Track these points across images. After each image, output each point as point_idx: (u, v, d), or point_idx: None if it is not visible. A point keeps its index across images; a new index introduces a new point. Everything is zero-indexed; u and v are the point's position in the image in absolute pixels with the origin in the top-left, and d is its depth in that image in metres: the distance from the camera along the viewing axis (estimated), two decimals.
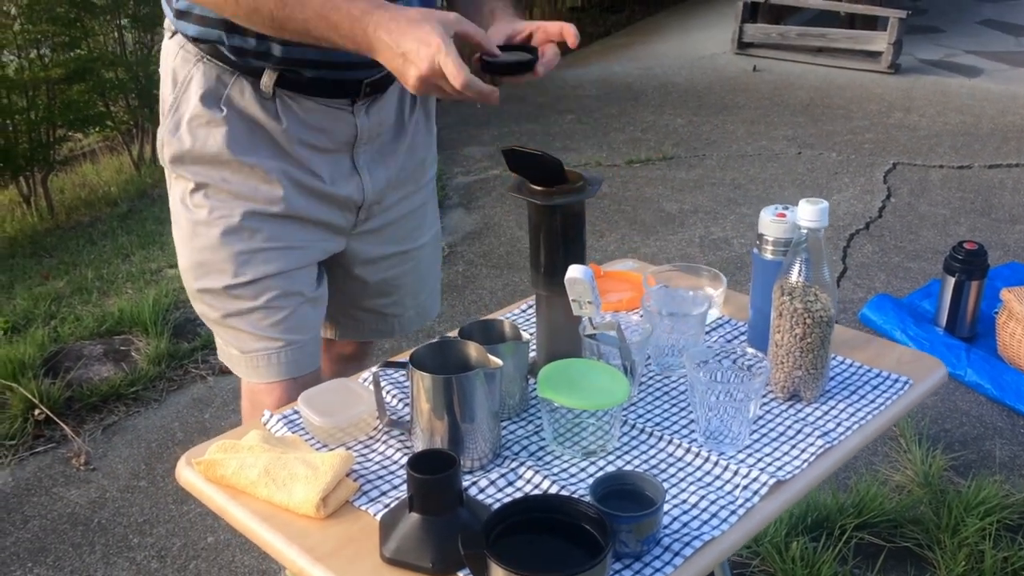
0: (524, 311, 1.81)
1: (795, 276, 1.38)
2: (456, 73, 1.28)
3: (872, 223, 4.35)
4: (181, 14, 1.55)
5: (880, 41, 6.46)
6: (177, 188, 1.64)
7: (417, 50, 1.29)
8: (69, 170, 5.80)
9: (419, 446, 1.32)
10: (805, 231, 1.36)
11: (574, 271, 1.34)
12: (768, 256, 1.50)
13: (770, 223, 1.50)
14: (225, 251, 1.61)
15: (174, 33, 1.60)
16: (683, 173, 5.10)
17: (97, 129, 5.20)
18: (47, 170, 4.97)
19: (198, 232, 1.62)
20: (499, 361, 1.29)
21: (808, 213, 1.34)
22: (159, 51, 1.71)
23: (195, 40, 1.55)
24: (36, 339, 3.28)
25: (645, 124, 5.95)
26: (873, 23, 6.67)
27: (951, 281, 3.23)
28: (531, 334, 1.59)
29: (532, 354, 1.58)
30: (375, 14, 1.32)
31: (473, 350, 1.35)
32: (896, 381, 1.51)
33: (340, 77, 1.59)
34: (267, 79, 1.54)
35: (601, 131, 5.85)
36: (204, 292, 1.67)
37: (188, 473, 1.35)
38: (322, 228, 1.69)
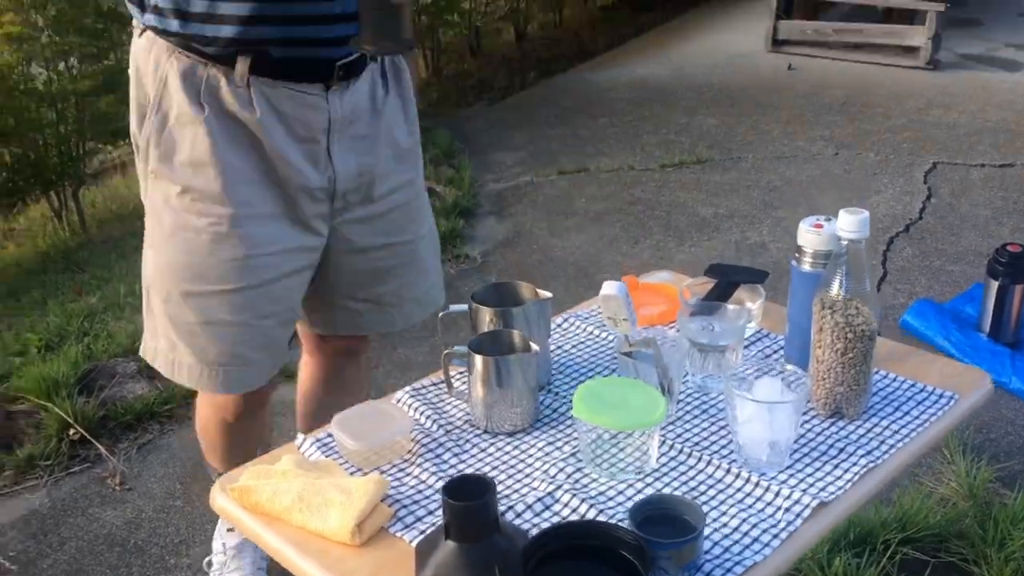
0: (561, 324, 1.77)
1: (835, 289, 1.34)
2: None
3: (912, 225, 4.28)
4: (142, 5, 1.56)
5: (918, 36, 6.35)
6: (160, 188, 1.64)
7: None
8: (100, 183, 5.84)
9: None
10: (845, 243, 1.32)
11: (608, 288, 1.32)
12: (807, 268, 1.47)
13: (808, 234, 1.46)
14: (215, 258, 1.62)
15: (143, 31, 1.61)
16: (718, 176, 5.04)
17: (126, 141, 5.24)
18: (78, 184, 5.00)
19: (187, 237, 1.63)
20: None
21: (848, 224, 1.30)
22: None
23: (163, 33, 1.56)
24: (70, 357, 3.29)
25: (678, 126, 5.89)
26: (911, 17, 6.56)
27: (994, 285, 3.16)
28: (558, 349, 1.60)
29: None
30: None
31: (525, 290, 1.53)
32: (941, 396, 1.47)
33: (311, 55, 1.59)
34: (241, 67, 1.55)
35: (634, 134, 5.79)
36: (189, 295, 1.66)
37: (223, 499, 1.34)
38: (303, 228, 1.69)
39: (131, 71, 1.65)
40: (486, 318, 1.51)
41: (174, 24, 1.53)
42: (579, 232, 4.41)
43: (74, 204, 4.93)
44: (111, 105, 4.56)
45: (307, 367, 2.12)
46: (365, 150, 1.72)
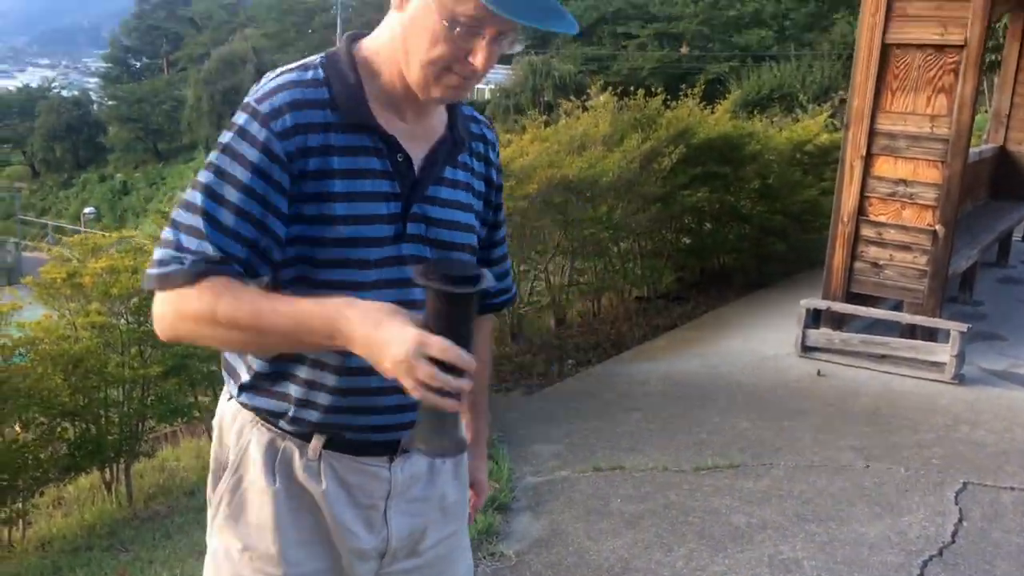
0: None
1: None
2: (443, 343, 1.40)
3: (945, 549, 4.32)
4: (248, 387, 1.76)
5: (942, 352, 6.60)
6: (224, 540, 1.79)
7: (393, 338, 1.43)
8: (150, 453, 6.00)
9: None
10: None
11: None
12: None
13: None
14: None
15: (231, 397, 1.80)
16: (751, 483, 5.14)
17: (184, 419, 5.44)
18: (132, 459, 5.16)
19: None
20: None
21: None
22: None
23: (256, 410, 1.75)
24: None
25: (711, 426, 6.04)
26: (934, 333, 6.83)
27: None
28: None
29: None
30: (347, 311, 1.49)
31: None
32: None
33: (381, 439, 1.76)
34: (315, 443, 1.73)
35: (668, 432, 5.94)
36: None
37: None
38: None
39: (215, 428, 1.85)
40: None
41: (261, 402, 1.74)
42: (614, 536, 4.47)
43: (124, 477, 5.07)
44: (175, 385, 4.78)
45: None
46: (418, 512, 1.86)
